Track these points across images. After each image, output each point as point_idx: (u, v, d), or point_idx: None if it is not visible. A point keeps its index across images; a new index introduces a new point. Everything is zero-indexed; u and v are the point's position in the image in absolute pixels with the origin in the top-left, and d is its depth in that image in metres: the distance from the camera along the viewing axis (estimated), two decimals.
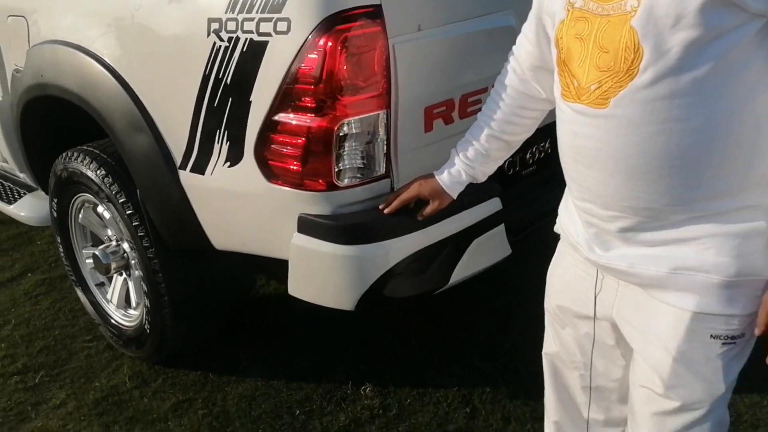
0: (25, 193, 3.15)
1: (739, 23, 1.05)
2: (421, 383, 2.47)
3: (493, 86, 1.55)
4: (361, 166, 1.71)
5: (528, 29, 1.43)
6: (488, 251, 1.94)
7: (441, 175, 1.63)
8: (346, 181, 1.71)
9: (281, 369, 2.58)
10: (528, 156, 2.37)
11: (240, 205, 1.92)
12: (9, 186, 3.31)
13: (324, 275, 1.77)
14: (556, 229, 1.53)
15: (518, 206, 2.25)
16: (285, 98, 1.66)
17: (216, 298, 2.43)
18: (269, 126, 1.71)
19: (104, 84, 2.10)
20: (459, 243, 1.84)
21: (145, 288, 2.38)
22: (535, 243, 3.31)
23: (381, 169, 1.74)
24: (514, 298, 2.92)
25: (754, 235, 1.18)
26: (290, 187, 1.74)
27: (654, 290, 1.26)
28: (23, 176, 3.02)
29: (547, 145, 2.43)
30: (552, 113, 2.13)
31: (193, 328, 2.49)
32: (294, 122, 1.66)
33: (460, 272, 1.88)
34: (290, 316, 2.84)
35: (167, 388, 2.52)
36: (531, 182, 2.40)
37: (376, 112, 1.66)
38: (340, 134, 1.64)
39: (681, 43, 1.06)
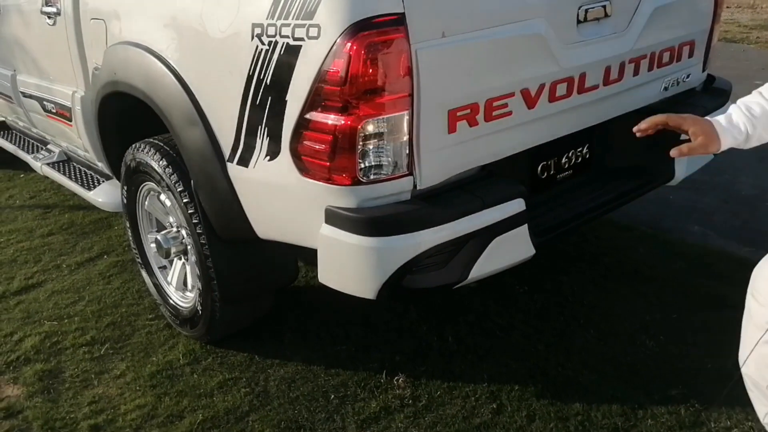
0: (102, 181, 3.43)
1: None
2: (452, 377, 2.56)
3: None
4: (385, 163, 1.82)
5: None
6: (510, 250, 2.01)
7: (719, 119, 1.67)
8: (370, 177, 1.82)
9: (321, 354, 2.73)
10: (564, 161, 2.42)
11: (278, 197, 2.07)
12: (90, 174, 3.60)
13: (348, 264, 1.89)
14: None
15: (549, 209, 2.31)
16: (315, 98, 1.79)
17: (262, 284, 2.59)
18: (302, 123, 1.85)
19: (165, 82, 2.30)
20: (479, 240, 1.93)
21: (198, 272, 2.57)
22: (578, 248, 3.35)
23: (404, 167, 1.85)
24: (553, 301, 2.96)
25: None
26: (320, 181, 1.87)
27: None
28: (101, 165, 3.29)
29: (585, 150, 2.47)
30: (587, 113, 2.20)
31: (240, 312, 2.67)
32: (323, 120, 1.80)
33: (480, 269, 1.96)
34: (333, 303, 2.98)
35: (216, 367, 2.71)
36: (566, 186, 2.45)
37: (398, 113, 1.77)
38: (364, 133, 1.76)
39: None
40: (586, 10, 2.13)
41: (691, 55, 2.60)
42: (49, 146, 4.03)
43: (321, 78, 1.76)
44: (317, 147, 1.83)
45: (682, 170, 2.55)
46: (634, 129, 1.78)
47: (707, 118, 1.67)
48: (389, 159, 1.82)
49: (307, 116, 1.83)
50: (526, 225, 2.03)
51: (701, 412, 2.31)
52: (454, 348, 2.72)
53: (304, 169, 1.90)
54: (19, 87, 3.75)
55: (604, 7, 2.19)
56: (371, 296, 1.91)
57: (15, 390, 2.65)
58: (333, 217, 1.87)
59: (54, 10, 3.07)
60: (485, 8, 1.90)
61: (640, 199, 3.80)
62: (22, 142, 4.36)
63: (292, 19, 1.79)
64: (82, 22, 2.89)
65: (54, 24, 3.10)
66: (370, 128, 1.76)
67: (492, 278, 3.11)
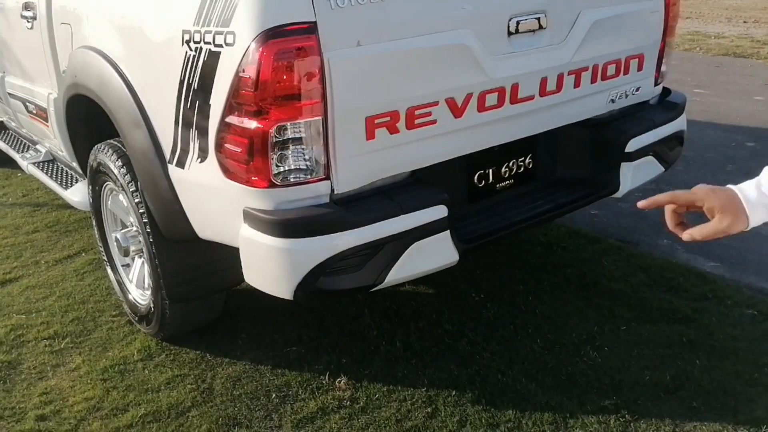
0: (78, 180, 3.52)
1: None
2: (393, 381, 2.59)
3: None
4: (300, 167, 1.87)
5: None
6: (430, 255, 2.05)
7: (744, 189, 1.25)
8: (285, 180, 1.87)
9: (271, 355, 2.78)
10: (504, 170, 2.45)
11: (208, 197, 2.13)
12: (71, 173, 3.71)
13: (265, 265, 1.94)
14: None
15: (484, 217, 2.33)
16: (233, 102, 1.86)
17: (207, 285, 2.65)
18: (223, 127, 1.91)
19: (114, 85, 2.38)
20: (397, 244, 1.96)
21: (149, 270, 2.64)
22: (541, 259, 3.36)
23: (320, 171, 1.90)
24: (506, 310, 2.98)
25: None
26: (240, 183, 1.93)
27: None
28: (75, 165, 3.38)
29: (527, 159, 2.50)
30: (525, 124, 2.18)
31: (190, 311, 2.73)
32: (239, 124, 1.85)
33: (398, 273, 2.00)
34: (289, 307, 3.03)
35: (167, 363, 2.77)
36: (507, 195, 2.47)
37: (311, 119, 1.82)
38: (276, 137, 1.81)
39: None
40: (518, 22, 2.16)
41: (640, 69, 2.62)
42: (37, 146, 4.14)
43: (237, 83, 1.82)
44: (236, 149, 1.89)
45: (627, 182, 2.56)
46: (638, 205, 1.37)
47: (729, 186, 1.26)
48: (304, 163, 1.87)
49: (227, 120, 1.89)
50: (448, 231, 2.06)
51: (630, 423, 2.31)
52: (401, 353, 2.75)
53: (227, 171, 1.96)
54: (6, 88, 3.88)
55: (539, 19, 2.21)
56: (287, 296, 1.95)
57: None
58: (250, 219, 1.92)
59: (31, 14, 3.18)
60: (404, 18, 1.94)
61: (613, 211, 3.84)
62: (15, 142, 4.49)
63: (213, 26, 1.86)
64: (54, 26, 2.99)
65: (32, 27, 3.21)
66: (283, 133, 1.82)
67: (449, 285, 3.18)
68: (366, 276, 1.96)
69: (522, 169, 2.50)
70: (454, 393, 2.51)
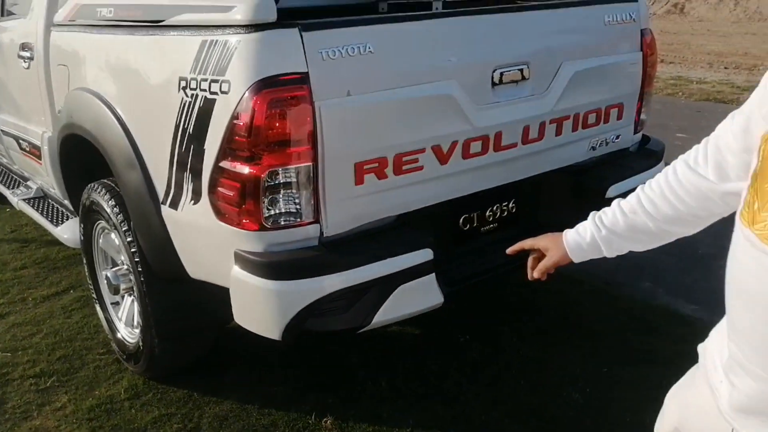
0: (69, 217, 3.56)
1: None
2: (379, 421, 2.61)
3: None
4: (290, 211, 1.93)
5: (735, 125, 1.20)
6: (416, 298, 2.10)
7: (568, 232, 1.48)
8: (275, 223, 1.93)
9: (258, 394, 2.79)
10: (488, 214, 2.52)
11: (200, 238, 2.18)
12: (62, 210, 3.74)
13: (254, 305, 1.99)
14: (700, 350, 1.35)
15: (469, 260, 2.39)
16: (227, 148, 1.92)
17: (197, 323, 2.68)
18: (216, 171, 1.98)
19: (110, 127, 2.44)
20: (383, 287, 2.01)
21: (139, 308, 2.67)
22: (524, 300, 3.42)
23: (310, 215, 1.96)
24: (490, 351, 3.02)
25: None
26: (232, 225, 1.98)
27: None
28: (67, 202, 3.42)
29: (510, 204, 2.57)
30: (508, 170, 2.27)
31: (179, 349, 2.76)
32: (232, 169, 1.92)
33: (385, 314, 2.05)
34: (277, 346, 3.06)
35: (155, 402, 2.78)
36: (491, 239, 2.54)
37: (301, 164, 1.89)
38: (268, 182, 1.88)
39: None
40: (502, 73, 2.25)
41: (619, 117, 2.71)
42: (28, 182, 4.18)
43: (231, 129, 1.89)
44: (228, 193, 1.95)
45: None
46: (507, 251, 1.67)
47: (566, 230, 1.50)
48: (294, 207, 1.93)
49: (221, 164, 1.95)
50: (433, 274, 2.12)
51: None
52: (387, 393, 2.78)
53: (219, 213, 2.02)
54: (0, 125, 3.93)
55: (521, 70, 2.31)
56: (276, 337, 1.99)
57: None
58: (241, 260, 1.97)
59: (29, 54, 3.25)
60: (392, 69, 2.03)
61: None
62: (5, 178, 4.53)
63: (209, 74, 1.93)
64: (51, 67, 3.06)
65: (28, 67, 3.28)
66: (274, 178, 1.88)
67: (434, 326, 3.22)
68: (353, 318, 2.01)
69: (506, 213, 2.57)
70: None
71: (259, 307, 1.97)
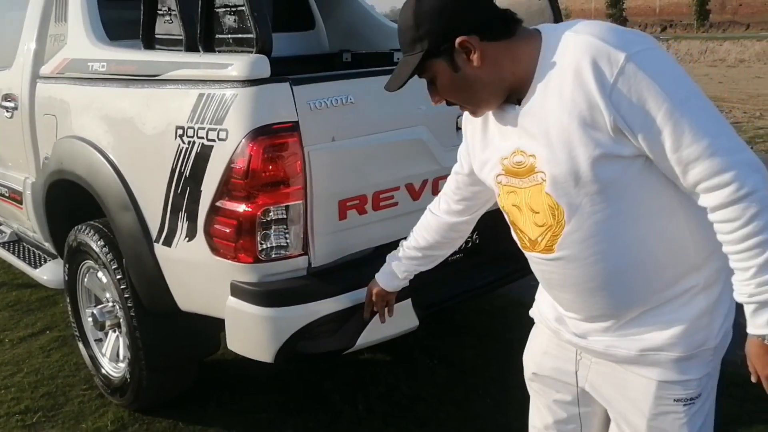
0: (47, 260, 3.68)
1: (624, 167, 1.33)
2: None
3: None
4: (281, 245, 2.15)
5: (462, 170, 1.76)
6: (395, 321, 2.31)
7: (377, 276, 2.06)
8: (268, 256, 2.14)
9: (242, 421, 2.96)
10: None
11: (195, 273, 2.37)
12: (38, 253, 3.86)
13: (249, 331, 2.19)
14: (533, 314, 1.79)
15: (438, 287, 2.64)
16: (224, 189, 2.13)
17: (185, 354, 2.85)
18: (213, 210, 2.18)
19: (104, 172, 2.62)
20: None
21: (128, 342, 2.82)
22: (486, 326, 3.67)
23: (299, 248, 2.18)
24: (458, 374, 3.26)
25: (698, 316, 1.45)
26: (227, 259, 2.18)
27: (627, 365, 1.53)
28: (48, 245, 3.55)
29: (474, 236, 2.83)
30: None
31: (166, 381, 2.91)
32: (229, 208, 2.13)
33: (368, 336, 2.26)
34: (258, 376, 3.24)
35: None
36: (457, 267, 2.78)
37: (293, 203, 2.12)
38: (262, 219, 2.09)
39: (587, 195, 1.36)
40: None
41: None
42: (1, 227, 4.28)
43: (228, 172, 2.10)
44: (225, 230, 2.16)
45: None
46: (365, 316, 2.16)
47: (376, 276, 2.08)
48: (286, 241, 2.15)
49: (218, 204, 2.16)
50: (409, 299, 2.35)
51: None
52: (364, 415, 2.98)
53: (215, 249, 2.22)
54: None
55: None
56: (269, 360, 2.19)
57: None
58: (237, 291, 2.17)
59: (12, 104, 3.41)
60: (371, 117, 2.28)
61: None
62: None
63: (207, 123, 2.15)
64: (36, 117, 3.23)
65: (11, 117, 3.43)
66: (268, 215, 2.10)
67: (404, 352, 3.44)
68: (340, 340, 2.22)
69: (470, 244, 2.82)
70: None
71: (254, 333, 2.17)
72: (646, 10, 40.66)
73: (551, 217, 1.43)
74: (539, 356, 1.76)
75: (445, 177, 2.48)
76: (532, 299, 1.82)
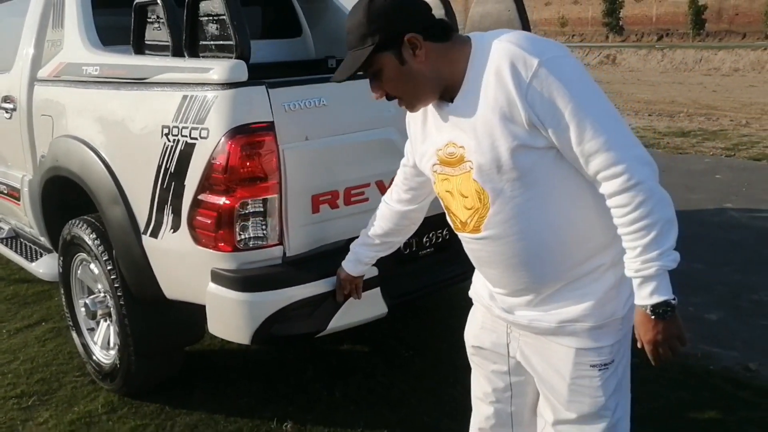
0: (43, 254, 3.86)
1: (538, 157, 1.57)
2: (334, 424, 2.98)
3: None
4: (258, 235, 2.33)
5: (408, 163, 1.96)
6: (365, 308, 2.50)
7: (343, 263, 2.29)
8: (246, 245, 2.32)
9: (225, 405, 3.13)
10: (425, 240, 2.94)
11: (179, 262, 2.55)
12: (35, 248, 4.04)
13: (227, 315, 2.36)
14: (471, 294, 2.01)
15: (409, 279, 2.82)
16: (205, 183, 2.32)
17: (171, 341, 3.02)
18: (195, 203, 2.36)
19: (96, 168, 2.81)
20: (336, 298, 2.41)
21: (117, 330, 3.00)
22: (459, 319, 3.84)
23: (275, 238, 2.36)
24: (431, 363, 3.44)
25: (607, 290, 1.66)
26: (208, 248, 2.36)
27: (548, 336, 1.73)
28: (43, 240, 3.73)
29: (444, 232, 3.01)
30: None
31: (153, 366, 3.08)
32: (209, 200, 2.31)
33: (338, 321, 2.44)
34: (240, 364, 3.42)
35: (130, 415, 3.09)
36: (428, 261, 2.96)
37: (268, 196, 2.30)
38: (240, 211, 2.27)
39: (508, 181, 1.57)
40: None
41: None
42: (0, 224, 4.45)
43: (209, 168, 2.29)
44: (206, 221, 2.34)
45: None
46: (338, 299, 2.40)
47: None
48: (263, 232, 2.33)
49: (199, 197, 2.34)
50: (378, 288, 2.53)
51: None
52: (341, 401, 3.15)
53: (197, 239, 2.40)
54: None
55: None
56: (246, 341, 2.36)
57: None
58: (217, 277, 2.35)
59: (11, 106, 3.60)
60: (342, 119, 2.47)
61: None
62: None
63: (190, 122, 2.33)
64: (34, 118, 3.42)
65: (10, 118, 3.62)
66: (246, 208, 2.28)
67: (381, 343, 3.62)
68: (312, 324, 2.40)
69: (440, 239, 3.00)
70: (386, 430, 2.91)
71: (232, 316, 2.34)
72: (642, 19, 40.92)
73: (478, 200, 1.63)
74: (477, 331, 1.96)
75: None
76: None
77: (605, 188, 1.53)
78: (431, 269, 2.93)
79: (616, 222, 1.55)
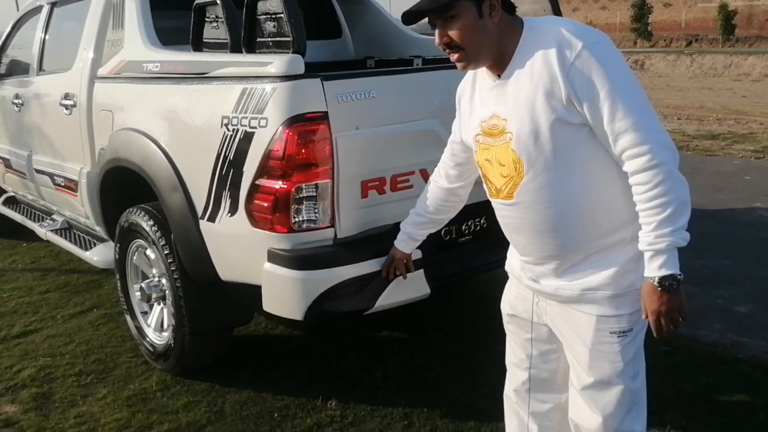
0: (96, 244, 4.08)
1: (573, 131, 1.72)
2: (375, 402, 3.13)
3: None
4: (312, 218, 2.50)
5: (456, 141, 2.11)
6: (409, 288, 2.65)
7: (396, 242, 2.44)
8: (300, 227, 2.49)
9: (271, 384, 3.30)
10: (464, 227, 3.10)
11: (235, 244, 2.73)
12: (87, 238, 4.26)
13: (282, 292, 2.54)
14: (506, 268, 2.15)
15: (448, 264, 2.97)
16: (263, 169, 2.49)
17: (223, 321, 3.20)
18: (253, 188, 2.54)
19: (156, 158, 3.00)
20: (383, 278, 2.57)
21: (173, 311, 3.19)
22: (493, 307, 3.98)
23: (327, 221, 2.53)
24: (467, 349, 3.58)
25: (627, 261, 1.78)
26: (265, 230, 2.54)
27: (572, 304, 1.87)
28: (99, 229, 3.95)
29: (482, 220, 3.16)
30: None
31: (205, 346, 3.27)
32: (267, 185, 2.49)
33: (385, 300, 2.60)
34: (285, 347, 3.60)
35: (183, 392, 3.27)
36: (467, 248, 3.11)
37: (322, 181, 2.47)
38: (296, 195, 2.45)
39: (542, 152, 1.71)
40: None
41: None
42: (53, 216, 4.69)
43: (267, 155, 2.46)
44: (263, 204, 2.51)
45: None
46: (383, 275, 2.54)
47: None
48: (315, 215, 2.50)
49: (257, 182, 2.52)
50: (422, 270, 2.68)
51: None
52: (381, 382, 3.31)
53: (254, 221, 2.57)
54: (34, 165, 4.46)
55: None
56: (299, 317, 2.53)
57: (13, 408, 3.20)
58: (273, 257, 2.53)
59: (71, 102, 3.82)
60: (390, 110, 2.63)
61: None
62: (28, 213, 5.03)
63: (249, 113, 2.52)
64: (93, 113, 3.63)
65: (70, 114, 3.85)
66: (301, 192, 2.45)
67: (419, 330, 3.77)
68: (361, 302, 2.56)
69: (478, 227, 3.15)
70: (425, 410, 3.06)
71: (287, 293, 2.51)
72: (671, 24, 40.68)
73: (514, 169, 1.78)
74: (513, 300, 2.12)
75: None
76: None
77: (629, 166, 1.67)
78: (469, 255, 3.08)
79: (635, 199, 1.69)
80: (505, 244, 2.11)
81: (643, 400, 1.97)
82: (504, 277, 2.24)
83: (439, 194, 2.24)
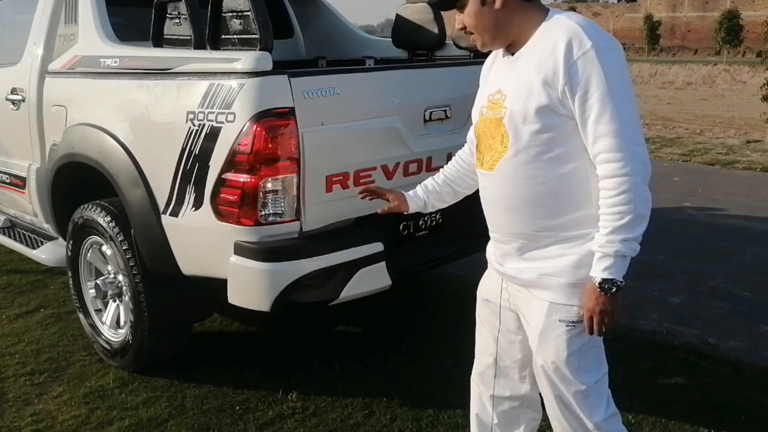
0: (44, 242, 4.00)
1: (560, 121, 1.77)
2: (335, 393, 3.21)
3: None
4: (279, 211, 2.56)
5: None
6: (371, 280, 2.75)
7: (408, 192, 2.31)
8: (266, 220, 2.55)
9: (231, 378, 3.33)
10: (421, 223, 3.21)
11: (200, 239, 2.76)
12: (33, 236, 4.17)
13: (249, 284, 2.58)
14: (487, 255, 2.16)
15: (408, 257, 3.08)
16: (230, 163, 2.54)
17: (183, 317, 3.22)
18: (220, 182, 2.58)
19: (116, 153, 3.00)
20: (348, 269, 2.66)
21: (131, 307, 3.18)
22: (449, 300, 4.12)
23: (293, 214, 2.59)
24: (422, 340, 3.69)
25: (587, 255, 1.82)
26: (231, 223, 2.58)
27: (531, 288, 1.94)
28: (47, 227, 3.88)
29: (437, 216, 3.28)
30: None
31: (164, 341, 3.27)
32: (234, 179, 2.53)
33: (349, 291, 2.69)
34: (244, 343, 3.62)
35: (141, 388, 3.27)
36: (424, 242, 3.23)
37: (288, 176, 2.53)
38: (263, 189, 2.50)
39: (528, 132, 1.79)
40: (431, 113, 2.99)
41: None
42: None
43: (234, 149, 2.51)
44: (230, 198, 2.56)
45: None
46: (360, 192, 2.33)
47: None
48: (282, 208, 2.56)
49: (224, 176, 2.57)
50: (384, 262, 2.78)
51: None
52: (340, 373, 3.38)
53: (219, 215, 2.61)
54: None
55: (445, 110, 3.05)
56: (266, 308, 2.59)
57: None
58: (240, 249, 2.57)
59: (19, 97, 3.75)
60: (354, 108, 2.72)
61: None
62: None
63: (216, 108, 2.56)
64: (44, 108, 3.58)
65: (18, 109, 3.77)
66: (268, 186, 2.51)
67: (375, 323, 3.87)
68: (326, 293, 2.64)
69: (434, 222, 3.27)
70: (385, 399, 3.15)
71: (254, 285, 2.57)
72: None
73: (500, 143, 1.87)
74: (487, 284, 2.19)
75: (414, 161, 2.97)
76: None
77: (600, 169, 1.78)
78: (426, 249, 3.19)
79: (600, 201, 1.80)
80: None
81: (597, 396, 1.99)
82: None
83: (462, 167, 2.26)
